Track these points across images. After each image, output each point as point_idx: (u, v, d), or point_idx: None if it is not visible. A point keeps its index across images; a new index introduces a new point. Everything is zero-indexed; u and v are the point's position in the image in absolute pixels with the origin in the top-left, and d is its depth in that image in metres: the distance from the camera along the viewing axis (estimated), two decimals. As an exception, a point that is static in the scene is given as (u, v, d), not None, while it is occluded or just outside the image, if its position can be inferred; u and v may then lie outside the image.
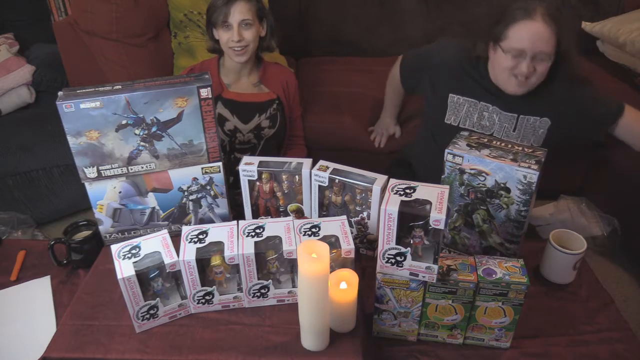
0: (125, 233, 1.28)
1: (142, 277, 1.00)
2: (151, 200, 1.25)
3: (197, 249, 1.04)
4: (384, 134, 2.00)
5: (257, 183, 1.24)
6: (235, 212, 1.37)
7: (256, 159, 1.24)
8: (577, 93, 1.47)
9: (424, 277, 1.00)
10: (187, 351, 1.00)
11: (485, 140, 1.19)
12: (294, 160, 1.23)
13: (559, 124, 1.48)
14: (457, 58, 1.55)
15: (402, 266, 1.00)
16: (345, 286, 1.01)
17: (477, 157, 1.13)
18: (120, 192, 1.22)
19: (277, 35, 1.69)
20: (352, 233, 1.18)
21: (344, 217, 1.14)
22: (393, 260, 1.00)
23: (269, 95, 1.72)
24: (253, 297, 1.08)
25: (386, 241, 0.97)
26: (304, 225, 1.10)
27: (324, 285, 0.92)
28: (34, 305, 1.23)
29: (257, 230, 1.08)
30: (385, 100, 1.97)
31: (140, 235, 1.17)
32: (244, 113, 1.69)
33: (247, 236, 1.06)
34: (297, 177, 1.22)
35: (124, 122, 1.12)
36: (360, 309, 1.05)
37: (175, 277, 1.06)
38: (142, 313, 1.03)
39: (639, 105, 2.08)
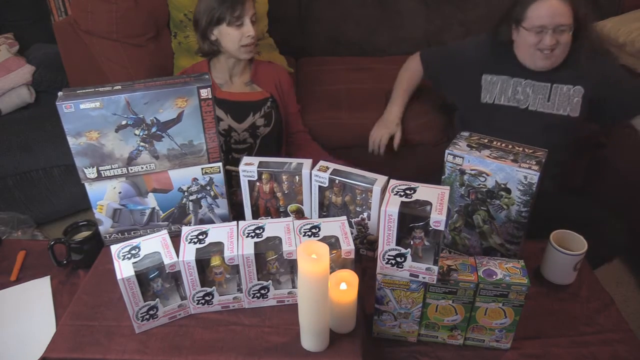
0: (125, 233, 1.27)
1: (142, 278, 1.00)
2: (151, 200, 1.25)
3: (197, 249, 1.03)
4: (384, 136, 1.88)
5: (257, 183, 1.24)
6: (235, 212, 1.37)
7: (256, 159, 1.24)
8: (604, 62, 1.55)
9: (424, 278, 1.00)
10: (187, 352, 1.00)
11: (486, 140, 1.19)
12: (294, 161, 1.23)
13: (592, 92, 1.53)
14: (486, 45, 1.66)
15: (402, 267, 1.00)
16: (345, 287, 1.00)
17: (478, 157, 1.12)
18: (120, 193, 1.22)
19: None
20: (352, 234, 1.18)
21: (344, 217, 1.14)
22: (393, 261, 0.99)
23: (262, 94, 1.72)
24: (253, 297, 1.08)
25: (386, 242, 0.97)
26: (304, 225, 1.10)
27: (323, 286, 0.92)
28: (33, 305, 1.23)
29: (257, 231, 1.07)
30: (394, 90, 1.94)
31: (140, 236, 1.17)
32: (238, 112, 1.69)
33: (247, 237, 1.06)
34: (297, 177, 1.22)
35: (123, 122, 1.12)
36: (360, 309, 1.05)
37: (175, 278, 1.06)
38: (141, 313, 1.03)
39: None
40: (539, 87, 1.55)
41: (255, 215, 1.30)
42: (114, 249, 1.04)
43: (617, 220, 1.49)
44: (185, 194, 1.26)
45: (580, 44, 1.51)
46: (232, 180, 1.37)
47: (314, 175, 1.20)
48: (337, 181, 1.19)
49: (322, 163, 1.22)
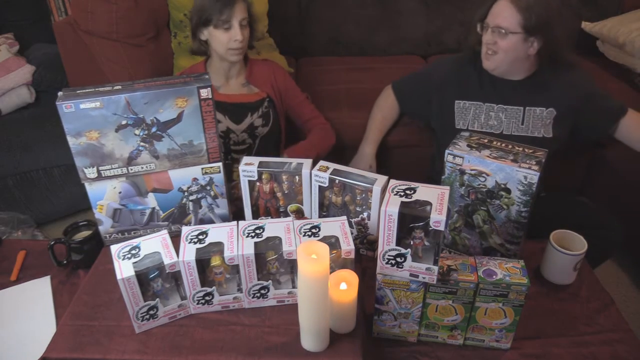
0: (125, 233, 1.27)
1: (142, 278, 1.00)
2: (151, 200, 1.25)
3: (197, 249, 1.03)
4: (365, 169, 1.79)
5: (257, 183, 1.24)
6: (235, 208, 1.35)
7: (256, 160, 1.24)
8: (575, 82, 1.54)
9: (424, 278, 1.00)
10: (187, 352, 1.00)
11: (486, 140, 1.19)
12: (294, 161, 1.23)
13: (564, 113, 1.52)
14: (456, 66, 1.66)
15: (402, 267, 1.00)
16: (345, 287, 1.00)
17: (478, 157, 1.12)
18: (120, 193, 1.22)
19: (255, 30, 1.68)
20: (352, 234, 1.18)
21: (344, 217, 1.14)
22: (393, 261, 0.99)
23: (258, 95, 1.72)
24: (253, 297, 1.08)
25: (386, 242, 0.97)
26: (304, 225, 1.10)
27: (323, 285, 0.92)
28: (34, 305, 1.23)
29: (257, 231, 1.07)
30: (368, 128, 1.86)
31: (140, 236, 1.17)
32: (236, 113, 1.68)
33: (247, 237, 1.06)
34: (297, 177, 1.22)
35: (124, 122, 1.12)
36: (360, 309, 1.05)
37: (175, 278, 1.06)
38: (141, 313, 1.03)
39: (639, 104, 2.08)
40: (512, 111, 1.54)
41: (255, 215, 1.30)
42: (114, 249, 1.04)
43: (613, 220, 1.49)
44: (185, 194, 1.26)
45: (548, 63, 1.51)
46: (232, 173, 1.36)
47: (314, 175, 1.20)
48: (337, 181, 1.19)
49: (322, 163, 1.22)
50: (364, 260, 1.25)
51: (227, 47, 1.56)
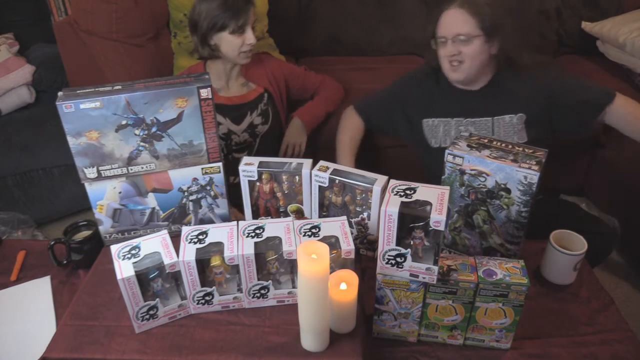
0: (125, 233, 1.27)
1: (142, 278, 1.00)
2: (151, 200, 1.25)
3: (197, 249, 1.03)
4: None
5: (257, 183, 1.24)
6: (232, 196, 1.35)
7: (256, 159, 1.24)
8: (540, 82, 1.49)
9: (424, 278, 1.00)
10: (187, 352, 1.00)
11: (486, 140, 1.19)
12: (294, 161, 1.23)
13: (535, 116, 1.48)
14: (416, 84, 1.62)
15: (402, 267, 1.00)
16: (345, 287, 1.00)
17: (478, 157, 1.12)
18: (120, 193, 1.22)
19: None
20: (352, 234, 1.18)
21: (344, 217, 1.14)
22: (393, 262, 0.99)
23: (256, 91, 1.73)
24: (253, 297, 1.08)
25: (386, 242, 0.97)
26: (304, 225, 1.10)
27: (323, 285, 0.92)
28: (34, 305, 1.23)
29: (257, 231, 1.07)
30: (339, 153, 1.71)
31: (140, 236, 1.17)
32: (235, 115, 1.69)
33: (247, 237, 1.06)
34: (297, 177, 1.22)
35: (124, 122, 1.12)
36: (360, 309, 1.05)
37: (175, 278, 1.06)
38: (141, 313, 1.03)
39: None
40: (481, 123, 1.50)
41: (255, 215, 1.30)
42: (114, 249, 1.04)
43: (606, 227, 1.47)
44: (185, 194, 1.26)
45: (502, 66, 1.48)
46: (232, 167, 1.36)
47: (314, 175, 1.20)
48: (337, 181, 1.19)
49: (322, 163, 1.22)
50: (364, 260, 1.25)
51: (240, 50, 1.57)
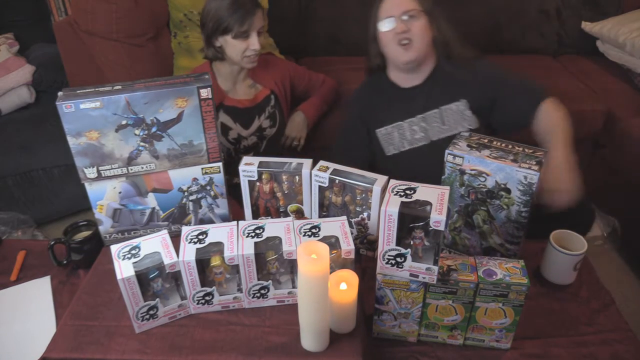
0: (125, 233, 1.27)
1: (142, 278, 1.00)
2: (151, 200, 1.25)
3: (197, 249, 1.03)
4: None
5: (257, 183, 1.24)
6: (232, 191, 1.34)
7: (256, 159, 1.24)
8: (478, 71, 1.52)
9: (424, 278, 1.00)
10: (187, 352, 1.00)
11: (486, 140, 1.19)
12: (294, 161, 1.23)
13: (478, 102, 1.50)
14: (364, 99, 1.63)
15: (402, 267, 1.00)
16: (345, 287, 1.00)
17: (478, 157, 1.12)
18: (120, 193, 1.22)
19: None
20: (352, 234, 1.18)
21: (344, 217, 1.14)
22: (393, 262, 0.99)
23: (263, 92, 1.72)
24: (253, 297, 1.08)
25: (386, 242, 0.97)
26: (304, 225, 1.10)
27: (323, 285, 0.92)
28: (34, 305, 1.23)
29: (257, 231, 1.07)
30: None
31: (140, 236, 1.17)
32: (245, 119, 1.69)
33: (247, 237, 1.06)
34: (297, 177, 1.22)
35: (124, 122, 1.12)
36: (360, 309, 1.05)
37: (175, 278, 1.06)
38: (141, 313, 1.03)
39: (638, 104, 2.09)
40: (430, 116, 1.52)
41: (255, 215, 1.30)
42: (114, 249, 1.04)
43: (609, 221, 1.47)
44: (185, 194, 1.26)
45: (440, 54, 1.52)
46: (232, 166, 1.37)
47: (314, 175, 1.20)
48: (337, 181, 1.19)
49: (322, 163, 1.22)
50: (364, 260, 1.25)
51: (244, 55, 1.56)
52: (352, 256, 1.05)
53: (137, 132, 1.14)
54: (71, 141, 1.12)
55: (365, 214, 1.21)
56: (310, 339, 0.98)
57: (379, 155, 1.61)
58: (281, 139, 1.81)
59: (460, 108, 1.50)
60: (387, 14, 1.46)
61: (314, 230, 1.08)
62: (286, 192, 1.25)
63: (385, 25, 1.47)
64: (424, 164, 1.38)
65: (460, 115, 1.50)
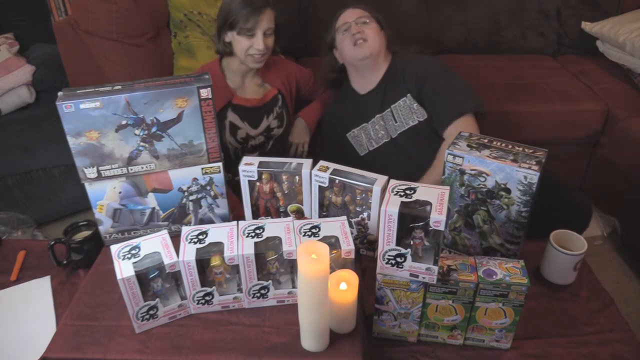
0: (125, 233, 1.27)
1: (142, 278, 1.00)
2: (151, 200, 1.25)
3: (197, 249, 1.03)
4: None
5: (257, 183, 1.24)
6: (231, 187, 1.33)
7: (256, 159, 1.24)
8: (419, 63, 1.66)
9: (424, 278, 1.00)
10: (187, 352, 1.00)
11: (486, 140, 1.19)
12: (294, 161, 1.23)
13: (418, 95, 1.61)
14: (333, 108, 1.80)
15: (402, 267, 1.00)
16: (345, 287, 1.00)
17: (478, 157, 1.12)
18: (120, 193, 1.22)
19: (281, 38, 1.68)
20: (352, 234, 1.18)
21: (344, 217, 1.14)
22: (393, 262, 0.99)
23: (271, 92, 1.73)
24: (253, 297, 1.08)
25: (386, 242, 0.97)
26: (304, 225, 1.10)
27: (323, 285, 0.92)
28: (34, 305, 1.23)
29: (257, 231, 1.07)
30: None
31: (140, 236, 1.17)
32: (253, 118, 1.69)
33: (247, 237, 1.06)
34: (297, 177, 1.22)
35: (124, 122, 1.12)
36: (360, 309, 1.05)
37: (175, 278, 1.06)
38: (141, 313, 1.03)
39: (638, 104, 2.09)
40: (385, 116, 1.66)
41: (255, 215, 1.30)
42: (114, 249, 1.04)
43: (609, 221, 1.48)
44: (185, 194, 1.26)
45: (392, 58, 1.68)
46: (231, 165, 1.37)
47: (314, 175, 1.20)
48: (337, 181, 1.19)
49: (322, 163, 1.22)
50: (364, 260, 1.25)
51: (247, 53, 1.56)
52: (352, 256, 1.05)
53: (137, 132, 1.14)
54: (71, 141, 1.12)
55: (365, 214, 1.21)
56: (310, 339, 0.98)
57: (354, 157, 1.74)
58: (287, 138, 1.81)
59: (407, 103, 1.62)
60: (344, 21, 1.66)
61: (314, 230, 1.08)
62: (286, 192, 1.25)
63: (342, 31, 1.65)
64: (391, 159, 1.65)
65: (409, 110, 1.62)
